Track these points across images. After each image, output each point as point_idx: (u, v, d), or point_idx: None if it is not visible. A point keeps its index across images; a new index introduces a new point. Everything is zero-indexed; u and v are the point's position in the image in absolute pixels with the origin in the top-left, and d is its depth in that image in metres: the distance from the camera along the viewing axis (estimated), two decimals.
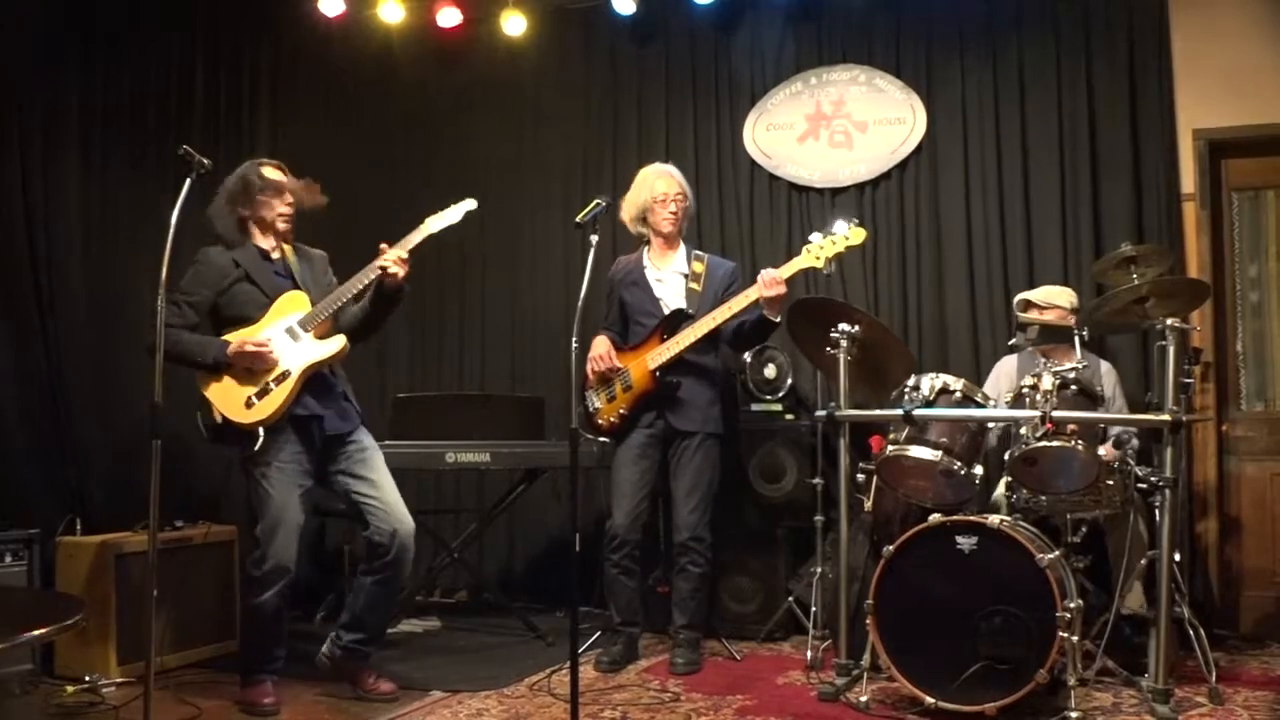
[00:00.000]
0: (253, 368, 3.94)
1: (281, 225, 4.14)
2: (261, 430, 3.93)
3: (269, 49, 6.30)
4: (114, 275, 5.61)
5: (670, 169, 4.83)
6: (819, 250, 4.36)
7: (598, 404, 4.67)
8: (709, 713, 3.93)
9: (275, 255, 4.16)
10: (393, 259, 4.04)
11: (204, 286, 4.03)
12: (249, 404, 3.95)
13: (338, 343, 4.05)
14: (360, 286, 4.07)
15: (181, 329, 3.96)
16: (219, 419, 3.96)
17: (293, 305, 4.07)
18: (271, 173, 4.11)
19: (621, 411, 4.62)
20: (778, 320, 4.48)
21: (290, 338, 4.01)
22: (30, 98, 5.42)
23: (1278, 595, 5.15)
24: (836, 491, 4.30)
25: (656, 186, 4.74)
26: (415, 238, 4.15)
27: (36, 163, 5.43)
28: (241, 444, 3.95)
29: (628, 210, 4.81)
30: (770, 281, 4.34)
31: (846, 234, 4.35)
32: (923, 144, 5.63)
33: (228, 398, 3.96)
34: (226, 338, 3.98)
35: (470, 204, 4.24)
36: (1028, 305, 4.83)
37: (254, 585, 3.99)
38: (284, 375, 3.96)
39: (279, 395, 3.95)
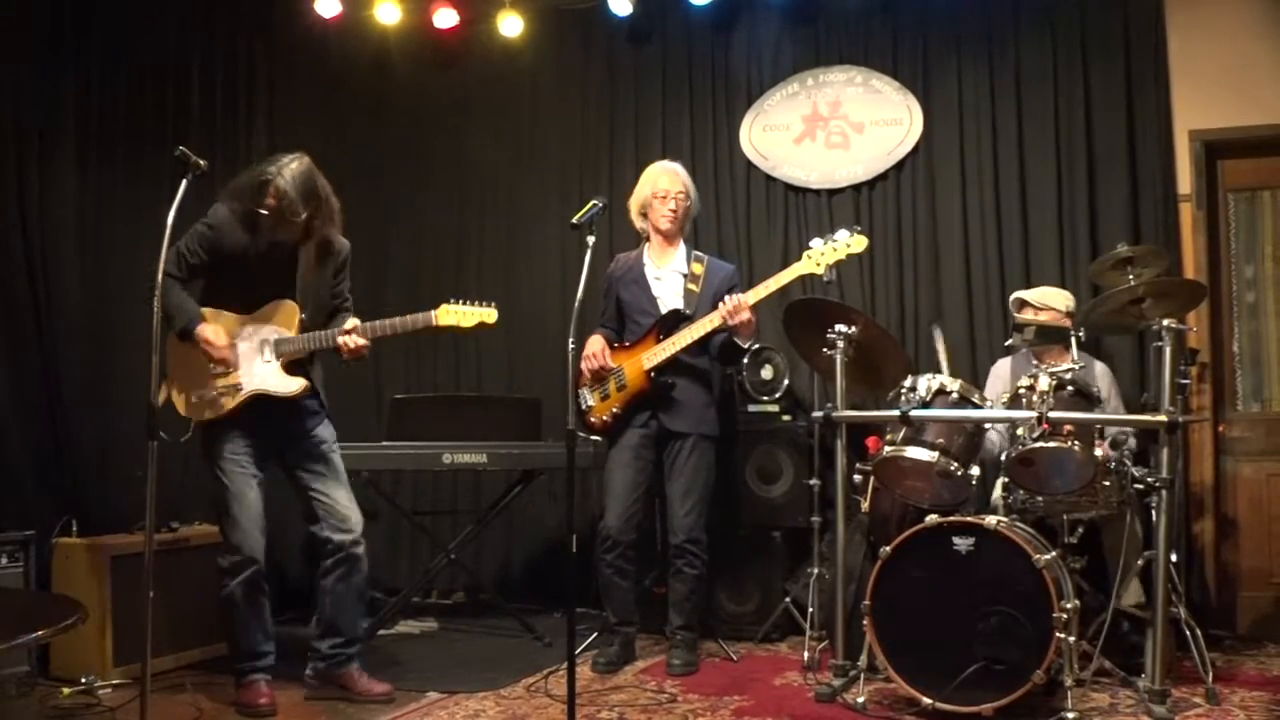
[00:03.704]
0: (215, 368, 3.96)
1: (287, 238, 4.06)
2: (193, 428, 4.00)
3: (265, 50, 6.29)
4: (110, 276, 5.60)
5: (675, 167, 4.83)
6: (819, 256, 4.37)
7: (591, 402, 4.67)
8: (706, 713, 3.93)
9: (284, 242, 4.08)
10: (350, 346, 4.03)
11: (204, 250, 4.01)
12: (191, 400, 4.01)
13: (296, 384, 4.05)
14: (321, 345, 4.06)
15: (176, 281, 3.96)
16: (163, 399, 3.98)
17: (279, 317, 4.06)
18: (268, 200, 3.93)
19: (615, 410, 4.62)
20: (745, 346, 4.60)
21: (259, 354, 4.03)
22: (26, 99, 5.41)
23: (1274, 596, 5.15)
24: (833, 492, 4.30)
25: (659, 182, 4.74)
26: (417, 322, 4.14)
27: (32, 164, 5.42)
28: (173, 431, 3.95)
29: (632, 204, 4.83)
30: (731, 310, 4.38)
31: (849, 241, 4.36)
32: (919, 145, 5.64)
33: (182, 385, 4.02)
34: (206, 319, 3.98)
35: (490, 315, 4.21)
36: (1023, 304, 4.84)
37: (222, 576, 4.04)
38: (235, 389, 3.99)
39: (222, 405, 4.00)
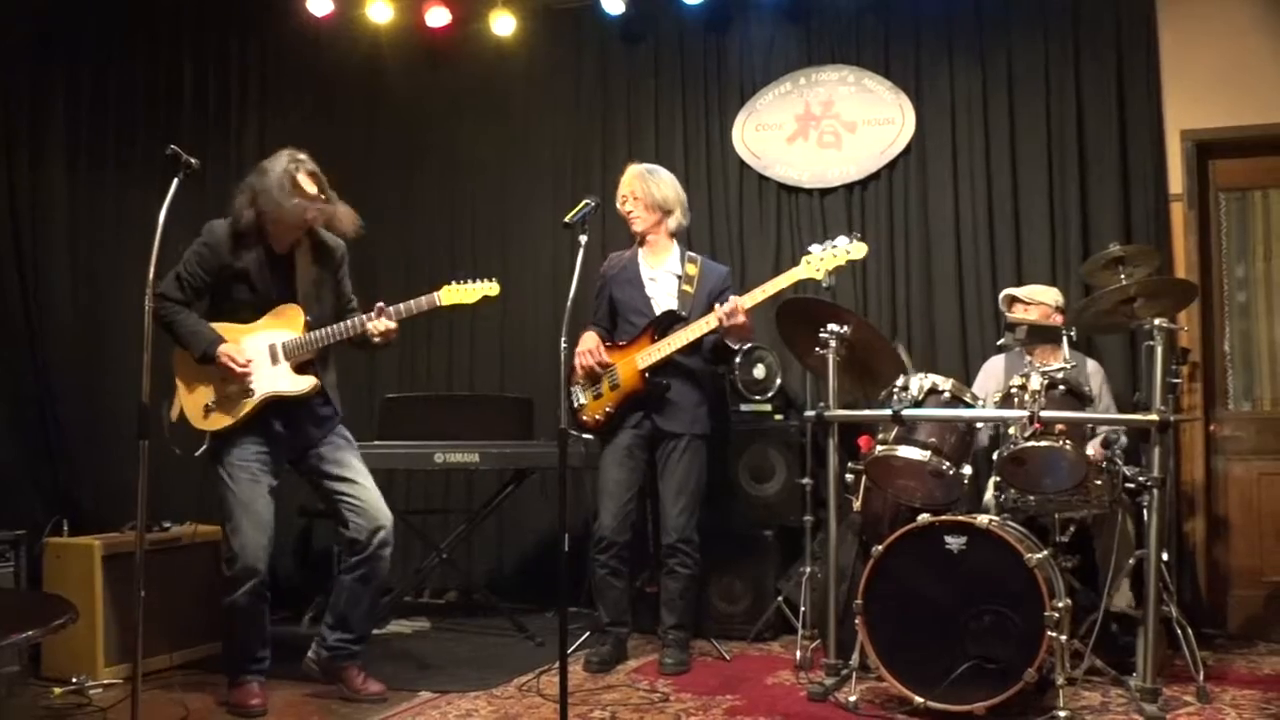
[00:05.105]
0: (225, 377, 3.96)
1: (295, 234, 4.07)
2: (209, 439, 4.00)
3: (257, 48, 6.29)
4: (101, 274, 5.60)
5: (634, 168, 4.78)
6: (819, 262, 4.37)
7: (583, 400, 4.66)
8: (698, 713, 3.93)
9: (283, 253, 4.09)
10: (381, 329, 4.04)
11: (204, 271, 4.02)
12: (207, 410, 4.00)
13: (307, 383, 4.05)
14: (346, 335, 4.06)
15: (180, 306, 3.97)
16: (176, 414, 4.01)
17: (286, 321, 4.06)
18: (306, 183, 3.97)
19: (607, 410, 4.61)
20: (736, 348, 4.61)
21: (269, 358, 4.02)
22: (16, 98, 5.40)
23: (1265, 594, 5.17)
24: (825, 491, 4.31)
25: (619, 188, 4.76)
26: (421, 305, 4.12)
27: (23, 162, 5.42)
28: (188, 445, 3.97)
29: None
30: (728, 314, 4.38)
31: (848, 248, 4.36)
32: (911, 144, 5.64)
33: (192, 396, 4.02)
34: (221, 333, 3.98)
35: (493, 289, 4.20)
36: (1013, 301, 4.86)
37: (226, 584, 4.03)
38: (247, 393, 3.99)
39: (236, 412, 3.99)
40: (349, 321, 4.07)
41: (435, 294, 4.14)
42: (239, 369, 3.93)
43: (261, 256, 4.04)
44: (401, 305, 4.09)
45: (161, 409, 3.97)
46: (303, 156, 4.03)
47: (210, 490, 4.19)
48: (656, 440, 4.64)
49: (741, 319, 4.41)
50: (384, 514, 4.12)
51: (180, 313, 3.97)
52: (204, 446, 4.00)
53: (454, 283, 4.18)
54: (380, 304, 4.06)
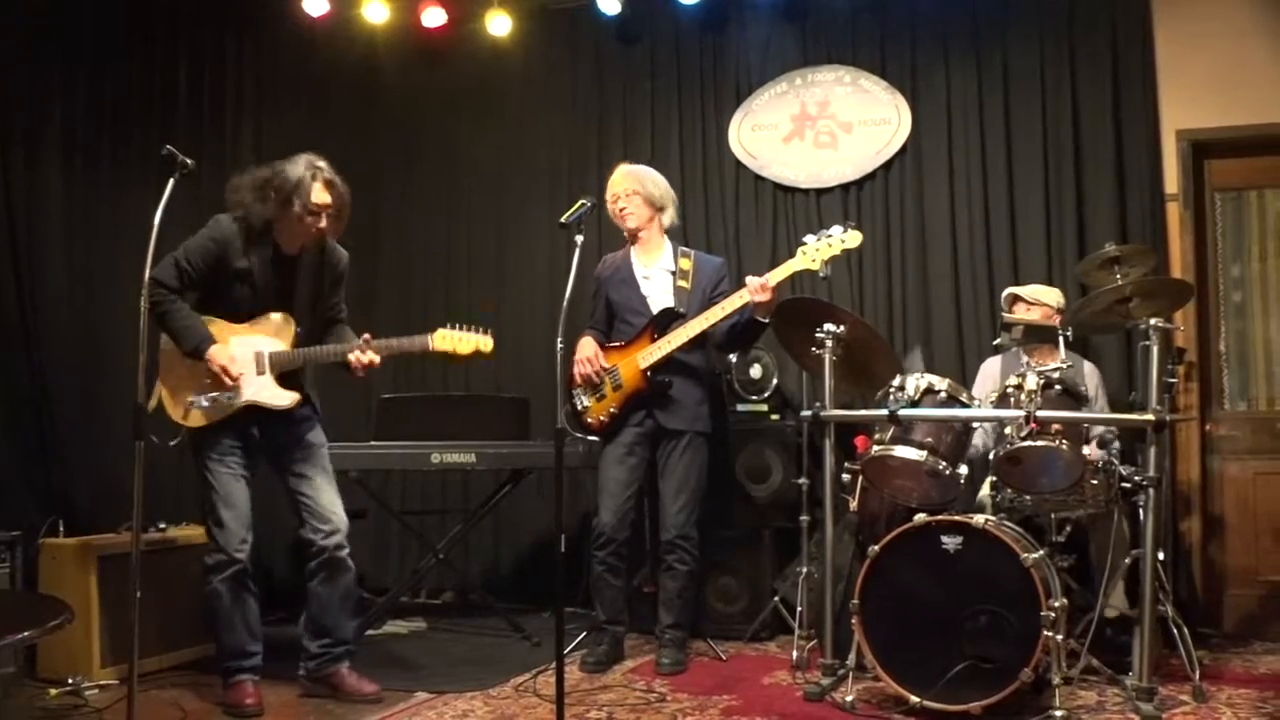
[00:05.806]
0: (211, 378, 3.94)
1: (306, 241, 4.07)
2: (185, 432, 4.01)
3: (252, 48, 6.29)
4: (96, 274, 5.59)
5: (624, 168, 4.79)
6: (814, 253, 4.35)
7: (587, 403, 4.66)
8: (695, 713, 3.92)
9: (290, 254, 4.08)
10: (365, 362, 4.02)
11: (205, 265, 3.98)
12: (183, 406, 4.00)
13: (289, 398, 4.05)
14: (331, 359, 4.07)
15: (173, 295, 3.94)
16: (154, 404, 3.99)
17: (276, 330, 4.05)
18: (321, 195, 3.98)
19: (612, 410, 4.61)
20: (767, 322, 4.51)
21: (254, 366, 4.01)
22: (12, 97, 5.40)
23: (1261, 594, 5.17)
24: (822, 491, 4.30)
25: (610, 187, 4.76)
26: (414, 345, 4.11)
27: (19, 162, 5.41)
28: (163, 435, 3.96)
29: None
30: (759, 289, 4.35)
31: (843, 237, 4.35)
32: (907, 144, 5.64)
33: (173, 390, 4.01)
34: (211, 328, 3.96)
35: (487, 343, 4.13)
36: (1015, 300, 4.86)
37: (206, 573, 4.04)
38: (229, 398, 3.98)
39: (213, 413, 3.98)
40: (336, 347, 4.08)
41: (428, 336, 4.11)
42: (229, 381, 3.92)
43: (268, 256, 4.03)
44: (393, 341, 4.09)
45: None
46: (321, 164, 4.03)
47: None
48: (658, 438, 4.63)
49: (770, 294, 4.38)
50: (338, 516, 4.13)
51: (174, 303, 3.94)
52: (178, 439, 4.00)
53: (449, 327, 4.14)
54: (367, 336, 4.06)
